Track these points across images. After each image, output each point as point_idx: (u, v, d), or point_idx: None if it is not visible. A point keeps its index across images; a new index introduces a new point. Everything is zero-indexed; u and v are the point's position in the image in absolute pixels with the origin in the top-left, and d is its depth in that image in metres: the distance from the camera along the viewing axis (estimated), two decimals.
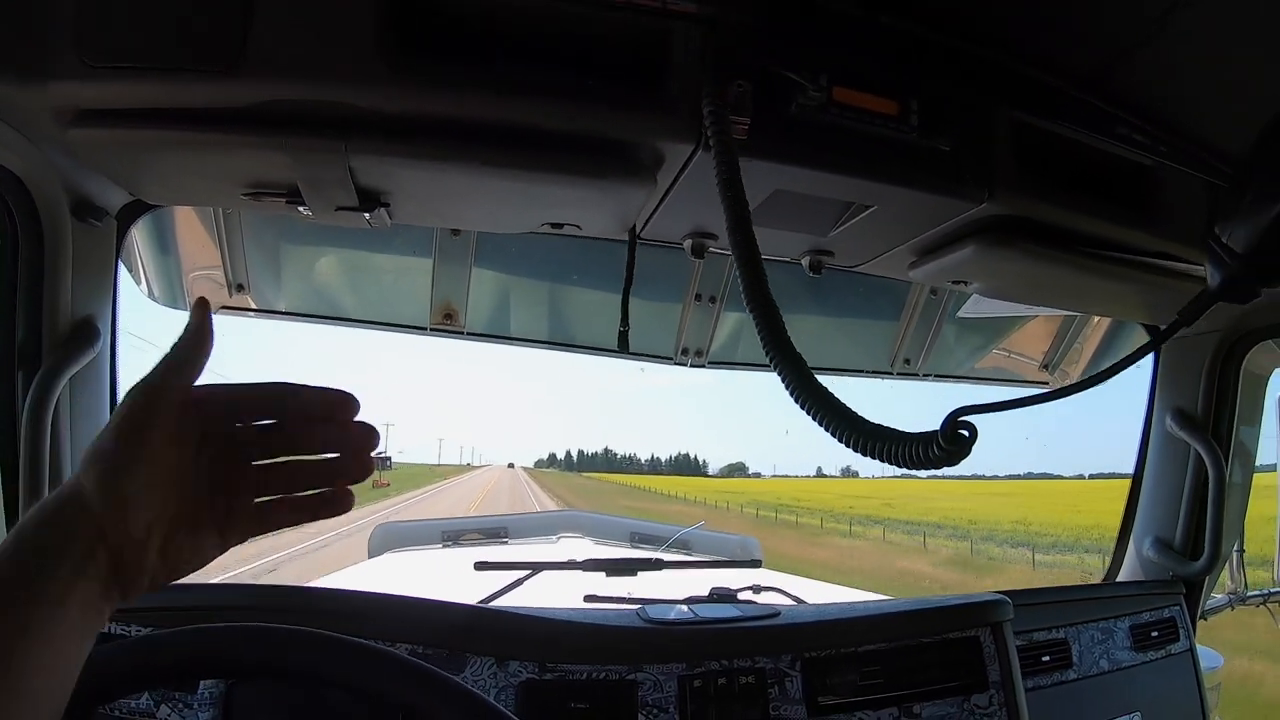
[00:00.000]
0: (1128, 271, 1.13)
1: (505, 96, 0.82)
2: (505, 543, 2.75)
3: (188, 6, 0.78)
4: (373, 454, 0.60)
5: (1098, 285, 1.20)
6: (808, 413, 0.65)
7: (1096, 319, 1.74)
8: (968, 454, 0.60)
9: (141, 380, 0.53)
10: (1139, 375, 1.60)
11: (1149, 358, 1.57)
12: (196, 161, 0.94)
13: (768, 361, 0.69)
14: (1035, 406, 0.73)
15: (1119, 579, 1.67)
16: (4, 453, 1.11)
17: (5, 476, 1.11)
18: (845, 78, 0.88)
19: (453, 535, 2.78)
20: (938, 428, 0.60)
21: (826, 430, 0.64)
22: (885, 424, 0.64)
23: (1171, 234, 1.10)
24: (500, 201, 1.01)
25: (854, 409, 0.63)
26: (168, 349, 0.54)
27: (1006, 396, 0.67)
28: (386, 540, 2.84)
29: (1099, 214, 1.06)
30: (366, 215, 1.01)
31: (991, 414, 0.63)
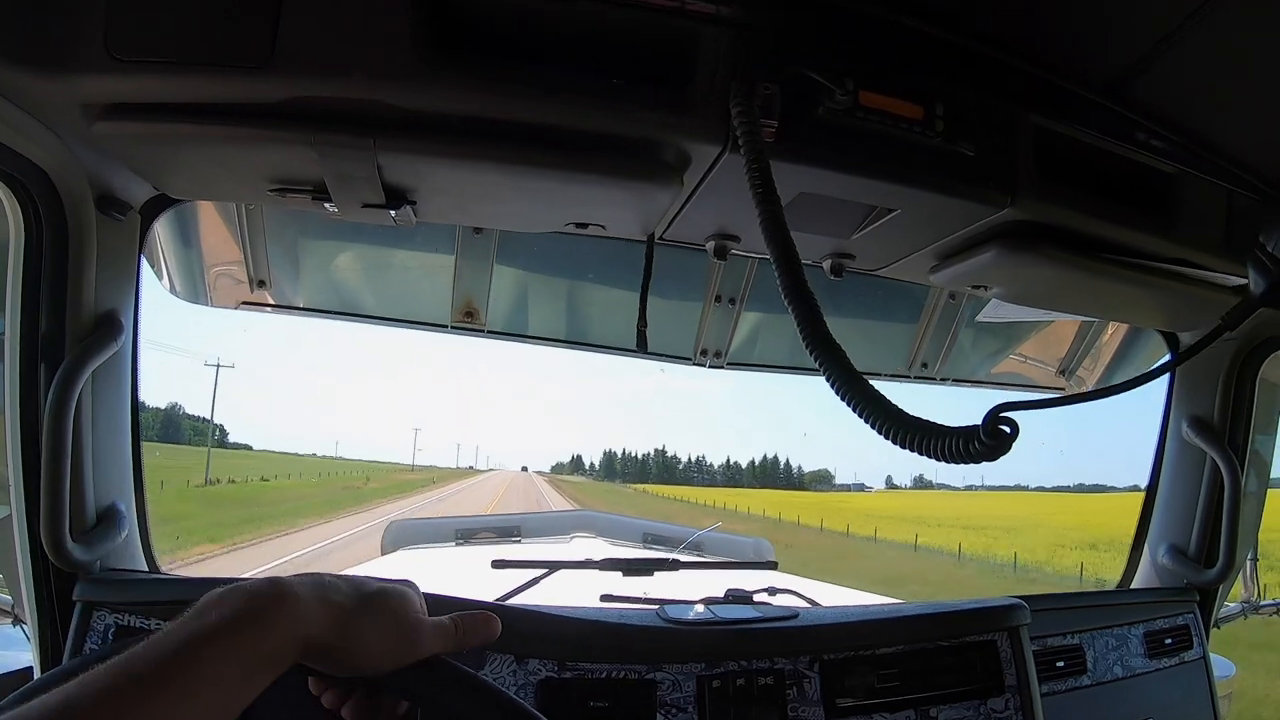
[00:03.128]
0: (1147, 278, 1.15)
1: (534, 96, 0.84)
2: (518, 541, 2.79)
3: (219, 2, 0.80)
4: None
5: (1117, 291, 1.22)
6: (849, 405, 0.67)
7: (1112, 325, 1.77)
8: (1008, 450, 0.61)
9: (417, 617, 0.66)
10: (1156, 383, 1.62)
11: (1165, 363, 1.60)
12: (223, 156, 0.96)
13: (809, 354, 0.71)
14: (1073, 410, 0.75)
15: (1133, 585, 1.70)
16: (26, 445, 1.13)
17: (27, 468, 1.13)
18: (871, 82, 0.90)
19: (466, 534, 2.83)
20: (979, 423, 0.61)
21: (868, 422, 0.65)
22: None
23: (1190, 241, 1.12)
24: (526, 201, 1.04)
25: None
26: (453, 620, 0.70)
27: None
28: (400, 537, 2.88)
29: (1119, 220, 1.08)
30: (392, 213, 1.03)
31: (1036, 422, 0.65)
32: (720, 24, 0.87)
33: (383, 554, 2.81)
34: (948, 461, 0.63)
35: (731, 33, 0.87)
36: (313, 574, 0.64)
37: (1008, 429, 0.60)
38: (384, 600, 0.64)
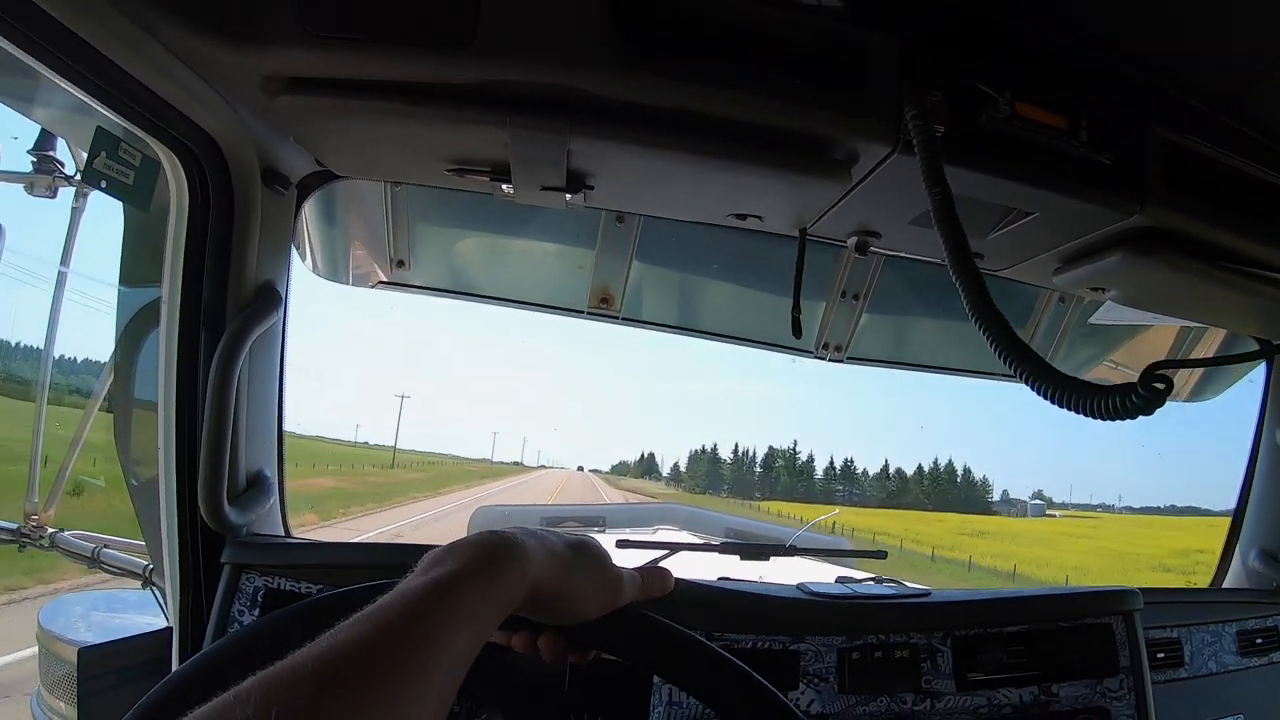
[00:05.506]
0: (1256, 286, 1.26)
1: (719, 89, 0.93)
2: (603, 531, 2.88)
3: None
4: None
5: (1226, 298, 1.32)
6: (1011, 367, 0.76)
7: (1209, 334, 1.89)
8: (1161, 404, 0.68)
9: (617, 569, 0.74)
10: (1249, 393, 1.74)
11: (1260, 371, 1.73)
12: (405, 135, 1.04)
13: (975, 322, 0.80)
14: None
15: (1224, 585, 1.82)
16: (182, 410, 1.23)
17: (180, 433, 1.22)
18: (1025, 92, 1.01)
19: (552, 522, 2.92)
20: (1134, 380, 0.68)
21: (1027, 383, 0.75)
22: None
23: None
24: (697, 189, 1.14)
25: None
26: (640, 572, 0.78)
27: None
28: (486, 523, 2.97)
29: (1237, 229, 1.18)
30: (568, 196, 1.14)
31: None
32: (889, 32, 0.98)
33: None
34: (1105, 417, 0.70)
35: (898, 42, 0.98)
36: (520, 527, 0.68)
37: (1162, 385, 0.67)
38: (591, 551, 0.72)
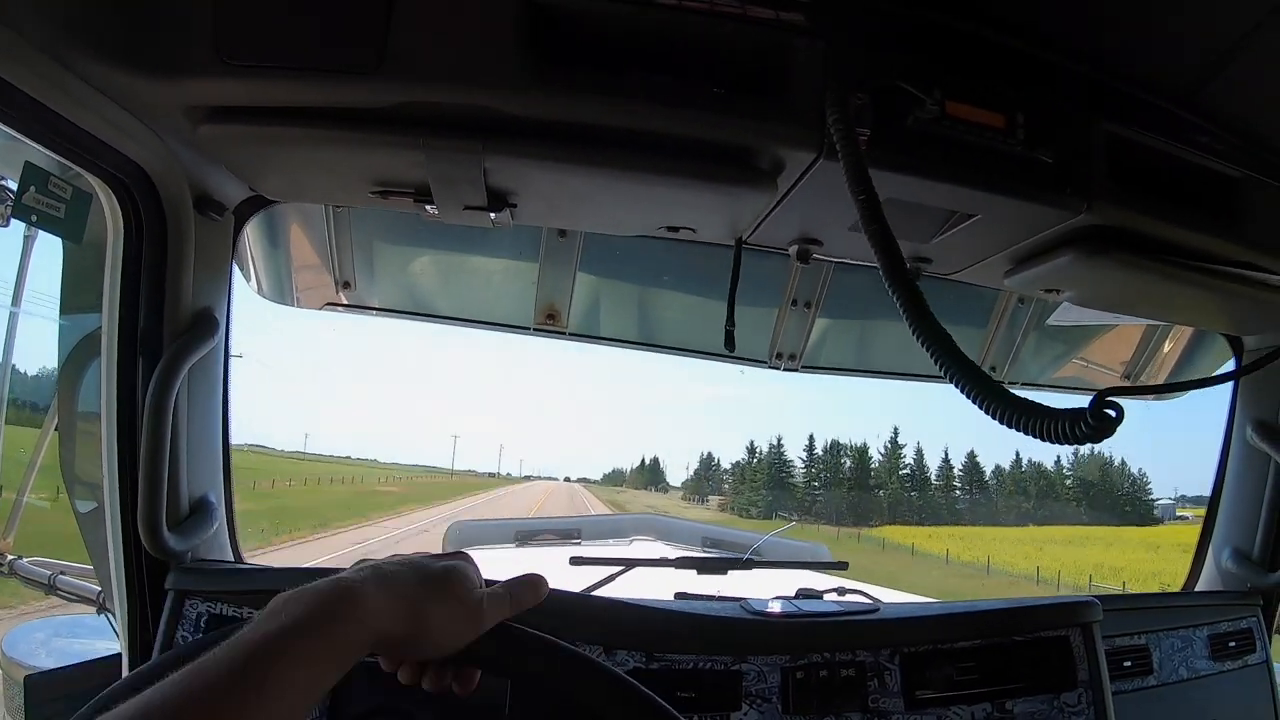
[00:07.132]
0: (1215, 282, 1.23)
1: (636, 103, 0.92)
2: (579, 544, 2.88)
3: (330, 9, 0.87)
4: None
5: (1185, 294, 1.29)
6: (958, 386, 0.73)
7: (1175, 330, 1.86)
8: (1112, 433, 0.66)
9: (479, 594, 0.72)
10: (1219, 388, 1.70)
11: (1229, 367, 1.69)
12: (327, 159, 1.04)
13: (916, 338, 0.76)
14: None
15: (1197, 588, 1.79)
16: (122, 437, 1.23)
17: (122, 460, 1.22)
18: (957, 92, 0.98)
19: (526, 535, 2.93)
20: (1086, 406, 0.66)
21: (975, 402, 0.72)
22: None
23: (1258, 245, 1.19)
24: (623, 204, 1.13)
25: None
26: (506, 587, 0.76)
27: None
28: (461, 538, 3.00)
29: (1190, 225, 1.15)
30: (492, 215, 1.12)
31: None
32: (812, 35, 0.95)
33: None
34: (1054, 442, 0.68)
35: (823, 44, 0.95)
36: (372, 564, 0.68)
37: (1113, 413, 0.65)
38: (445, 583, 0.70)
